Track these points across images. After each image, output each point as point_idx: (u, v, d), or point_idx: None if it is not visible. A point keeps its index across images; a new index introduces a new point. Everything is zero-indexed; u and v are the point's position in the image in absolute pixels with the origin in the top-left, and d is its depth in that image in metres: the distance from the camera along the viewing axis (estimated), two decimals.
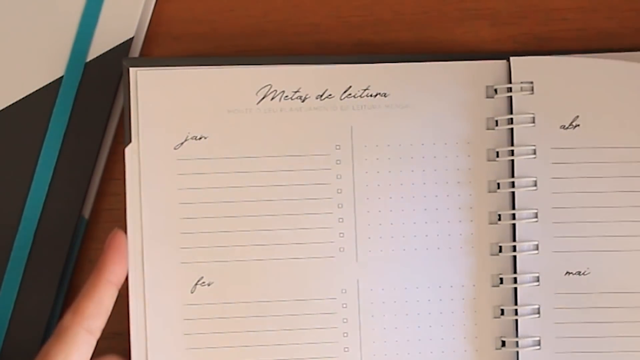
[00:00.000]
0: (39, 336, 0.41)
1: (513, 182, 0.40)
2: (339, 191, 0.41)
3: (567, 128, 0.41)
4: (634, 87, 0.42)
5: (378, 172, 0.41)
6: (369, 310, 0.41)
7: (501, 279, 0.40)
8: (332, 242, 0.41)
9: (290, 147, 0.41)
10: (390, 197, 0.41)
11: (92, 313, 0.40)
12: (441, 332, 0.41)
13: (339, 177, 0.41)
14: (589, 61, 0.41)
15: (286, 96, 0.41)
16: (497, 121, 0.40)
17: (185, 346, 0.41)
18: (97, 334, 0.40)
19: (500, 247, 0.41)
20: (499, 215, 0.41)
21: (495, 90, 0.41)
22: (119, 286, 0.40)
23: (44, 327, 0.42)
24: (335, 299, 0.41)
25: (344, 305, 0.41)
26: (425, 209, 0.40)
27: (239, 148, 0.41)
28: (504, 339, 0.40)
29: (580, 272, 0.41)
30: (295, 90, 0.40)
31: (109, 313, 0.40)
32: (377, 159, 0.41)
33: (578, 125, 0.41)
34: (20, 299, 0.43)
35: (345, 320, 0.41)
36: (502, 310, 0.40)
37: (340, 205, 0.41)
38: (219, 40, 0.44)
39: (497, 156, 0.40)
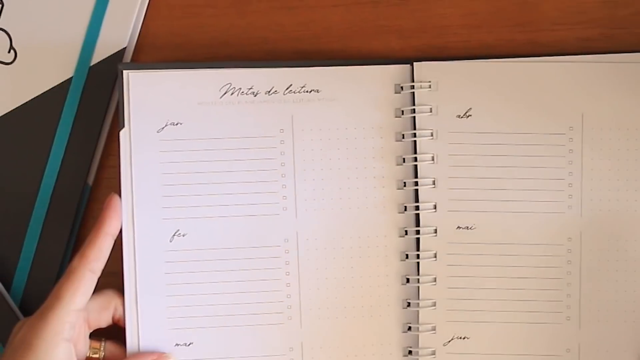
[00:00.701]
0: (54, 275, 0.50)
1: (416, 158, 0.49)
2: (283, 164, 0.49)
3: (462, 117, 0.49)
4: (511, 84, 0.49)
5: (312, 149, 0.49)
6: (306, 255, 0.49)
7: (406, 231, 0.49)
8: (277, 203, 0.49)
9: (245, 131, 0.49)
10: (322, 169, 0.49)
11: (94, 257, 0.48)
12: (362, 271, 0.49)
13: (282, 153, 0.49)
14: (475, 64, 0.49)
15: (242, 92, 0.49)
16: (402, 111, 0.49)
17: (166, 282, 0.49)
18: (98, 274, 0.47)
19: (406, 207, 0.49)
20: (404, 182, 0.49)
21: (402, 88, 0.49)
22: (115, 237, 0.48)
23: (57, 268, 0.50)
24: (279, 246, 0.49)
25: (287, 251, 0.49)
26: (348, 178, 0.49)
27: (206, 132, 0.49)
28: (408, 277, 0.49)
29: (468, 227, 0.50)
30: (249, 87, 0.49)
31: (107, 257, 0.48)
32: (312, 139, 0.49)
33: (470, 115, 0.49)
34: (39, 247, 0.51)
35: (287, 262, 0.49)
36: (407, 255, 0.49)
37: (283, 175, 0.49)
38: (192, 49, 0.52)
39: (403, 138, 0.49)
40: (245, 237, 0.50)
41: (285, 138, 0.50)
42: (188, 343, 0.49)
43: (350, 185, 0.50)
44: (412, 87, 0.49)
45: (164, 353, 0.49)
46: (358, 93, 0.50)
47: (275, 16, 0.51)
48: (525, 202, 0.49)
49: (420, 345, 0.49)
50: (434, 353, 0.49)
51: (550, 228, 0.50)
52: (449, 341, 0.50)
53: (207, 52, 0.52)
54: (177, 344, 0.49)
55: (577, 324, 0.50)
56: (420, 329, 0.48)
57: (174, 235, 0.50)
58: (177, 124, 0.49)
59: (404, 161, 0.49)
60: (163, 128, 0.50)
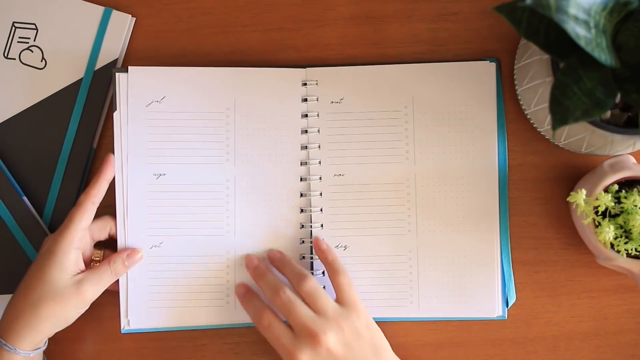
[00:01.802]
0: (71, 205, 0.59)
1: (307, 130, 0.61)
2: (227, 131, 0.61)
3: (336, 103, 0.62)
4: (369, 81, 0.61)
5: (247, 120, 0.61)
6: (239, 191, 0.61)
7: (303, 178, 0.62)
8: (222, 156, 0.61)
9: (204, 107, 0.61)
10: (253, 135, 0.61)
11: (94, 194, 0.58)
12: (274, 203, 0.61)
13: (227, 123, 0.61)
14: (346, 69, 0.61)
15: (200, 84, 0.60)
16: (305, 99, 0.62)
17: (147, 212, 0.61)
18: (97, 205, 0.59)
19: (306, 162, 0.61)
20: (305, 146, 0.62)
21: (304, 84, 0.61)
22: (109, 181, 0.60)
23: (73, 201, 0.61)
24: (223, 184, 0.61)
25: (228, 188, 0.61)
26: (269, 142, 0.61)
27: (177, 107, 0.60)
28: (303, 208, 0.62)
29: (341, 174, 0.62)
30: (205, 82, 0.60)
31: (104, 194, 0.59)
32: (247, 113, 0.61)
33: (342, 101, 0.62)
34: (62, 187, 0.62)
35: (227, 195, 0.61)
36: (302, 194, 0.62)
37: (227, 138, 0.61)
38: (161, 59, 0.63)
39: (302, 117, 0.62)
40: (202, 176, 0.61)
41: (230, 113, 0.61)
42: (159, 244, 0.60)
43: (270, 146, 0.61)
44: (306, 83, 0.62)
45: (135, 249, 0.60)
46: (274, 87, 0.61)
47: (216, 37, 0.63)
48: (378, 156, 0.61)
49: (313, 252, 0.61)
50: None
51: (395, 172, 0.62)
52: (334, 247, 0.61)
53: (171, 61, 0.63)
54: (152, 246, 0.60)
55: (415, 234, 0.62)
56: (312, 242, 0.61)
57: (156, 176, 0.60)
58: (160, 101, 0.60)
59: (305, 132, 0.62)
60: (150, 104, 0.60)
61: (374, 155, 0.62)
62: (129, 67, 0.61)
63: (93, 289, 0.57)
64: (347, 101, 0.62)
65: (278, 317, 0.57)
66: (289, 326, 0.56)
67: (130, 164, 0.61)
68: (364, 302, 0.59)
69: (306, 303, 0.56)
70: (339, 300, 0.57)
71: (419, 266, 0.62)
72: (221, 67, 0.61)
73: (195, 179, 0.61)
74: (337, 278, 0.58)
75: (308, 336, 0.54)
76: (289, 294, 0.56)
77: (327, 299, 0.56)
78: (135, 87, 0.61)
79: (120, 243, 0.61)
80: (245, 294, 0.60)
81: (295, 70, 0.62)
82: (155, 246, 0.61)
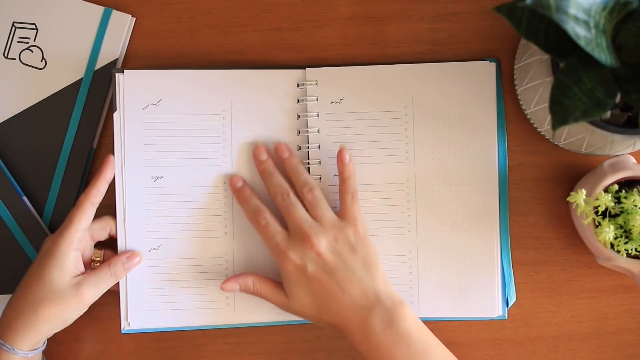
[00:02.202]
0: (70, 206, 0.59)
1: (307, 130, 0.61)
2: (224, 132, 0.61)
3: (336, 103, 0.62)
4: (368, 82, 0.61)
5: (243, 124, 0.61)
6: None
7: None
8: (219, 157, 0.61)
9: (201, 109, 0.61)
10: (249, 137, 0.61)
11: (95, 194, 0.59)
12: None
13: (224, 125, 0.61)
14: (345, 69, 0.62)
15: (196, 86, 0.60)
16: (299, 100, 0.62)
17: (145, 215, 0.61)
18: (97, 205, 0.59)
19: (302, 162, 0.61)
20: (299, 147, 0.62)
21: (299, 85, 0.61)
22: (109, 182, 0.60)
23: (73, 201, 0.61)
24: (219, 186, 0.61)
25: (225, 189, 0.61)
26: (267, 142, 0.60)
27: (175, 109, 0.60)
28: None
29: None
30: (202, 82, 0.60)
31: (103, 194, 0.59)
32: (244, 117, 0.61)
33: (342, 100, 0.62)
34: (62, 187, 0.62)
35: (225, 197, 0.61)
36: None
37: (224, 140, 0.61)
38: (160, 59, 0.63)
39: (299, 118, 0.62)
40: (200, 178, 0.61)
41: (226, 115, 0.61)
42: (158, 246, 0.61)
43: (267, 147, 0.61)
44: (305, 84, 0.61)
45: (135, 251, 0.60)
46: (271, 88, 0.61)
47: (216, 37, 0.63)
48: (378, 156, 0.62)
49: None
50: None
51: (395, 172, 0.62)
52: None
53: (171, 61, 0.63)
54: (150, 249, 0.61)
55: (415, 234, 0.62)
56: None
57: (154, 179, 0.60)
58: (156, 104, 0.61)
59: (299, 133, 0.62)
60: (147, 106, 0.61)
61: (374, 156, 0.63)
62: (125, 70, 0.61)
63: (92, 291, 0.57)
64: (347, 101, 0.63)
65: (274, 217, 0.58)
66: (285, 228, 0.57)
67: (127, 167, 0.61)
68: None
69: (306, 209, 0.57)
70: (341, 214, 0.58)
71: (419, 266, 0.62)
72: (217, 69, 0.62)
73: (193, 181, 0.62)
74: (345, 194, 0.58)
75: (301, 237, 0.56)
76: (292, 196, 0.58)
77: (327, 209, 0.58)
78: (132, 90, 0.61)
79: (120, 246, 0.61)
80: (242, 190, 0.60)
81: (290, 71, 0.62)
82: (154, 249, 0.61)
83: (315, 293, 0.55)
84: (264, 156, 0.61)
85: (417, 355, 0.53)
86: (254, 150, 0.61)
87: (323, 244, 0.55)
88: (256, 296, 0.59)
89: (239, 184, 0.61)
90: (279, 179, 0.59)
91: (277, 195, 0.58)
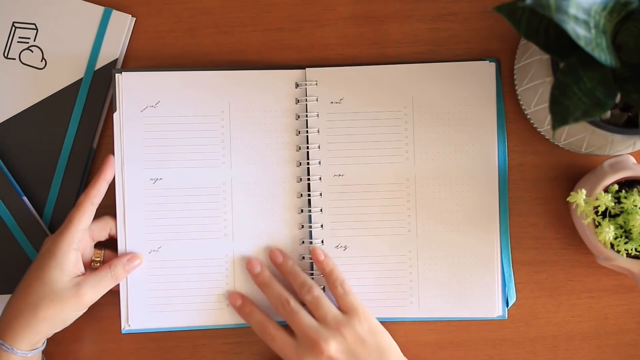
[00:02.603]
0: (70, 206, 0.59)
1: (307, 131, 0.61)
2: (223, 134, 0.61)
3: (336, 103, 0.62)
4: (369, 82, 0.61)
5: (242, 124, 0.61)
6: (237, 193, 0.61)
7: (301, 179, 0.61)
8: (218, 159, 0.61)
9: (199, 111, 0.61)
10: (248, 137, 0.61)
11: (94, 195, 0.59)
12: (272, 204, 0.61)
13: (222, 127, 0.61)
14: (346, 69, 0.62)
15: (195, 86, 0.61)
16: (298, 100, 0.62)
17: (145, 217, 0.61)
18: (97, 205, 0.59)
19: (300, 162, 0.61)
20: (299, 147, 0.61)
21: (297, 85, 0.61)
22: (109, 182, 0.60)
23: (73, 201, 0.60)
24: (219, 187, 0.61)
25: (224, 191, 0.61)
26: (265, 143, 0.61)
27: (173, 111, 0.61)
28: (302, 209, 0.61)
29: (341, 174, 0.62)
30: (200, 83, 0.60)
31: (103, 195, 0.59)
32: (242, 118, 0.61)
33: (342, 101, 0.62)
34: (61, 187, 0.62)
35: (224, 198, 0.61)
36: (301, 194, 0.61)
37: (223, 141, 0.61)
38: (160, 60, 0.63)
39: (298, 118, 0.62)
40: (198, 180, 0.61)
41: (225, 116, 0.61)
42: (157, 248, 0.61)
43: (266, 148, 0.61)
44: (306, 84, 0.61)
45: (135, 253, 0.60)
46: (271, 88, 0.61)
47: (216, 37, 0.63)
48: (378, 156, 0.61)
49: None
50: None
51: (395, 172, 0.62)
52: (334, 248, 0.62)
53: (171, 61, 0.63)
54: (150, 251, 0.61)
55: (415, 234, 0.62)
56: (313, 242, 0.61)
57: (153, 181, 0.60)
58: (154, 106, 0.61)
59: (299, 133, 0.62)
60: (145, 109, 0.61)
61: (374, 156, 0.62)
62: (123, 73, 0.61)
63: (92, 292, 0.57)
64: (347, 101, 0.62)
65: (280, 327, 0.58)
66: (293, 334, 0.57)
67: (127, 169, 0.61)
68: (364, 302, 0.59)
69: (309, 312, 0.57)
70: (341, 308, 0.58)
71: (419, 266, 0.62)
72: (215, 70, 0.62)
73: (192, 182, 0.62)
74: (336, 288, 0.59)
75: (310, 345, 0.55)
76: (293, 304, 0.57)
77: (329, 307, 0.57)
78: (130, 92, 0.61)
79: (120, 247, 0.61)
80: (243, 307, 0.61)
81: (289, 71, 0.62)
82: (154, 250, 0.61)
83: None
84: (257, 269, 0.61)
85: None
86: (247, 265, 0.61)
87: (333, 347, 0.55)
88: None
89: (238, 302, 0.61)
90: (278, 288, 0.59)
91: (278, 306, 0.58)
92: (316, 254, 0.61)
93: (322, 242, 0.63)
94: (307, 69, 0.62)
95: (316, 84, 0.63)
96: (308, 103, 0.62)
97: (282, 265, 0.61)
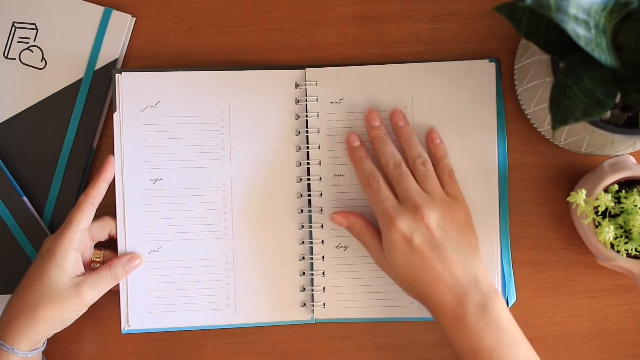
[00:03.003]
0: (70, 206, 0.59)
1: (307, 131, 0.61)
2: (222, 134, 0.61)
3: (335, 103, 0.62)
4: (368, 82, 0.61)
5: (242, 125, 0.61)
6: (237, 193, 0.61)
7: (300, 179, 0.61)
8: (217, 159, 0.61)
9: (198, 111, 0.61)
10: (249, 137, 0.61)
11: (94, 195, 0.59)
12: (272, 204, 0.61)
13: (222, 127, 0.61)
14: (346, 69, 0.61)
15: (195, 86, 0.60)
16: (298, 100, 0.62)
17: (145, 217, 0.61)
18: (97, 206, 0.59)
19: (300, 162, 0.61)
20: (299, 147, 0.61)
21: (297, 85, 0.61)
22: (109, 182, 0.60)
23: (73, 201, 0.60)
24: (219, 187, 0.61)
25: (224, 191, 0.61)
26: (265, 143, 0.61)
27: (172, 111, 0.61)
28: (302, 209, 0.62)
29: (341, 174, 0.62)
30: (200, 83, 0.60)
31: (103, 195, 0.59)
32: (242, 117, 0.61)
33: (342, 100, 0.62)
34: (61, 187, 0.62)
35: (224, 198, 0.61)
36: (301, 194, 0.62)
37: (223, 141, 0.61)
38: (160, 60, 0.63)
39: (298, 118, 0.62)
40: (198, 180, 0.61)
41: (224, 116, 0.61)
42: (157, 249, 0.61)
43: (266, 148, 0.61)
44: (305, 84, 0.61)
45: (135, 254, 0.60)
46: (270, 88, 0.61)
47: (216, 37, 0.63)
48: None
49: (313, 253, 0.62)
50: (323, 258, 0.62)
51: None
52: (334, 248, 0.62)
53: (171, 61, 0.63)
54: (150, 251, 0.61)
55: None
56: (313, 242, 0.62)
57: (153, 181, 0.60)
58: (154, 106, 0.61)
59: (299, 133, 0.62)
60: (145, 109, 0.60)
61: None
62: (123, 73, 0.61)
63: (92, 292, 0.57)
64: (347, 101, 0.62)
65: (386, 182, 0.58)
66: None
67: (126, 170, 0.61)
68: (363, 302, 0.61)
69: (417, 181, 0.57)
70: (445, 188, 0.58)
71: None
72: (215, 70, 0.61)
73: (192, 183, 0.62)
74: (442, 174, 0.59)
75: (412, 207, 0.55)
76: (404, 167, 0.57)
77: (437, 184, 0.57)
78: (129, 93, 0.61)
79: (120, 248, 0.62)
80: (357, 150, 0.60)
81: (288, 71, 0.62)
82: (154, 251, 0.61)
83: (416, 265, 0.54)
84: (377, 122, 0.60)
85: (505, 344, 0.52)
86: (367, 115, 0.60)
87: (433, 217, 0.55)
88: (356, 238, 0.60)
89: (356, 142, 0.60)
90: (392, 148, 0.59)
91: (389, 164, 0.58)
92: (433, 136, 0.61)
93: (322, 242, 0.63)
94: (307, 69, 0.62)
95: (316, 84, 0.63)
96: (308, 103, 0.62)
97: (402, 129, 0.60)
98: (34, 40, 0.62)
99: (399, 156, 0.58)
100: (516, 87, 0.61)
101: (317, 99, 0.62)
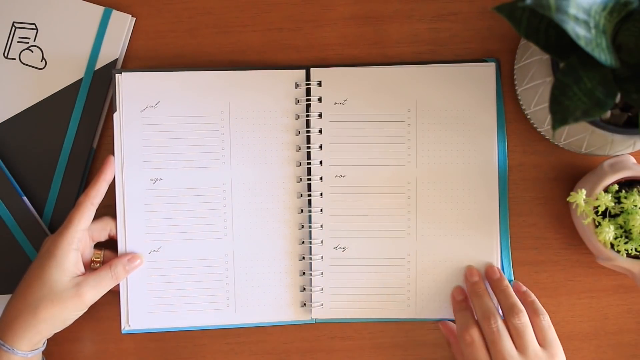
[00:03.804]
0: (70, 206, 0.59)
1: (308, 131, 0.61)
2: (222, 134, 0.61)
3: (340, 104, 0.62)
4: (371, 82, 0.61)
5: (242, 125, 0.61)
6: (237, 193, 0.61)
7: (301, 179, 0.61)
8: (218, 159, 0.61)
9: (199, 111, 0.61)
10: (248, 137, 0.61)
11: (94, 195, 0.59)
12: (272, 205, 0.61)
13: (222, 127, 0.61)
14: (347, 69, 0.61)
15: (195, 86, 0.60)
16: (298, 100, 0.61)
17: (145, 217, 0.61)
18: (97, 206, 0.59)
19: (300, 162, 0.61)
20: (299, 147, 0.62)
21: (297, 85, 0.61)
22: (109, 182, 0.60)
23: (73, 201, 0.61)
24: (219, 187, 0.61)
25: (224, 191, 0.61)
26: (265, 143, 0.61)
27: (172, 111, 0.60)
28: (302, 209, 0.62)
29: (342, 175, 0.62)
30: (200, 83, 0.60)
31: (103, 195, 0.59)
32: (242, 118, 0.61)
33: (346, 101, 0.61)
34: (61, 188, 0.62)
35: (224, 198, 0.61)
36: (301, 194, 0.62)
37: (223, 141, 0.61)
38: (161, 60, 0.63)
39: (298, 118, 0.61)
40: (198, 180, 0.61)
41: (225, 116, 0.61)
42: (157, 249, 0.61)
43: (266, 148, 0.61)
44: (308, 84, 0.61)
45: (135, 254, 0.60)
46: (270, 88, 0.61)
47: (216, 37, 0.63)
48: (380, 158, 0.61)
49: (312, 253, 0.62)
50: (322, 258, 0.62)
51: (396, 175, 0.61)
52: (333, 248, 0.62)
53: (171, 61, 0.63)
54: (150, 251, 0.61)
55: (415, 237, 0.62)
56: (312, 243, 0.62)
57: (153, 181, 0.60)
58: (155, 106, 0.60)
59: (299, 133, 0.62)
60: (145, 109, 0.60)
61: (376, 158, 0.62)
62: (123, 73, 0.61)
63: (92, 292, 0.57)
64: (351, 102, 0.62)
65: (483, 337, 0.57)
66: (489, 353, 0.56)
67: (127, 170, 0.61)
68: (363, 303, 0.61)
69: (511, 335, 0.56)
70: (540, 340, 0.57)
71: (418, 268, 0.62)
72: (215, 71, 0.61)
73: (192, 183, 0.61)
74: (537, 319, 0.58)
75: None
76: (499, 324, 0.57)
77: (532, 338, 0.56)
78: (129, 93, 0.61)
79: (120, 248, 0.62)
80: (461, 302, 0.61)
81: (288, 71, 0.62)
82: (154, 251, 0.61)
83: None
84: (475, 278, 0.61)
85: None
86: (467, 272, 0.61)
87: None
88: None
89: (460, 297, 0.61)
90: (489, 303, 0.59)
91: (484, 319, 0.57)
92: (519, 287, 0.61)
93: (322, 242, 0.63)
94: (311, 69, 0.62)
95: (317, 85, 0.62)
96: (311, 103, 0.62)
97: (497, 281, 0.61)
98: (34, 40, 0.62)
99: (495, 311, 0.58)
100: (516, 87, 0.61)
101: (319, 98, 0.62)
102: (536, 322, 0.57)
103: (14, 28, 0.63)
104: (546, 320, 0.57)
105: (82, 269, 0.58)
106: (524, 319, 0.57)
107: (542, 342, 0.56)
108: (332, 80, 0.62)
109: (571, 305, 0.64)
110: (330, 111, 0.62)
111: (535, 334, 0.57)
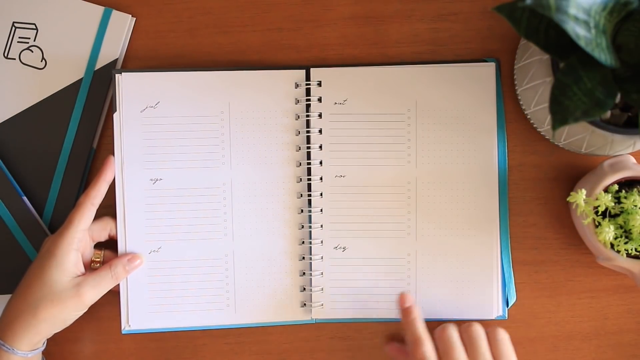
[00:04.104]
0: (70, 206, 0.59)
1: (308, 131, 0.61)
2: (222, 134, 0.61)
3: (339, 104, 0.61)
4: (371, 83, 0.61)
5: (242, 125, 0.61)
6: (237, 193, 0.61)
7: (301, 179, 0.61)
8: (218, 159, 0.61)
9: (199, 111, 0.61)
10: (248, 137, 0.61)
11: (94, 195, 0.59)
12: (271, 205, 0.61)
13: (222, 127, 0.61)
14: (348, 69, 0.61)
15: (195, 86, 0.60)
16: (298, 100, 0.61)
17: (145, 217, 0.61)
18: (97, 206, 0.59)
19: (300, 162, 0.61)
20: (299, 147, 0.61)
21: (297, 85, 0.61)
22: (109, 183, 0.60)
23: (73, 202, 0.61)
24: (219, 187, 0.61)
25: (224, 191, 0.61)
26: (265, 143, 0.60)
27: (172, 111, 0.60)
28: (302, 209, 0.62)
29: (342, 175, 0.62)
30: (200, 83, 0.60)
31: (103, 195, 0.60)
32: (242, 118, 0.61)
33: (346, 101, 0.61)
34: (61, 188, 0.62)
35: (224, 198, 0.61)
36: (301, 194, 0.62)
37: (223, 142, 0.61)
38: (160, 60, 0.63)
39: (298, 118, 0.61)
40: (198, 180, 0.61)
41: (225, 116, 0.61)
42: (157, 249, 0.61)
43: (266, 148, 0.61)
44: (308, 84, 0.61)
45: (136, 254, 0.61)
46: (271, 88, 0.61)
47: (216, 37, 0.63)
48: (380, 159, 0.61)
49: (312, 253, 0.62)
50: (322, 258, 0.62)
51: (396, 175, 0.61)
52: (333, 248, 0.62)
53: (171, 61, 0.63)
54: (150, 251, 0.61)
55: (415, 237, 0.62)
56: (312, 243, 0.62)
57: (153, 181, 0.60)
58: (154, 106, 0.60)
59: (299, 133, 0.62)
60: (145, 109, 0.60)
61: (376, 158, 0.62)
62: (123, 73, 0.61)
63: (92, 292, 0.57)
64: (351, 102, 0.62)
65: (434, 351, 0.56)
66: None
67: (126, 170, 0.61)
68: (362, 303, 0.61)
69: (465, 345, 0.56)
70: (494, 353, 0.56)
71: (418, 269, 0.62)
72: (215, 71, 0.61)
73: (192, 183, 0.62)
74: (494, 333, 0.57)
75: None
76: (454, 333, 0.56)
77: (486, 347, 0.55)
78: (129, 93, 0.61)
79: (120, 248, 0.62)
80: (410, 310, 0.58)
81: (289, 71, 0.62)
82: (154, 251, 0.62)
83: None
84: (407, 303, 0.60)
85: None
86: (400, 298, 0.59)
87: None
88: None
89: (407, 304, 0.59)
90: (420, 328, 0.57)
91: (438, 328, 0.57)
92: (496, 332, 0.57)
93: (322, 242, 0.63)
94: (312, 69, 0.62)
95: (318, 85, 0.62)
96: (311, 103, 0.62)
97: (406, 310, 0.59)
98: (34, 40, 0.62)
99: (425, 336, 0.57)
100: (516, 87, 0.61)
101: (319, 99, 0.62)
102: (490, 336, 0.57)
103: (14, 28, 0.63)
104: (500, 335, 0.56)
105: (82, 269, 0.58)
106: (476, 325, 0.56)
107: (496, 354, 0.56)
108: (332, 80, 0.62)
109: (571, 305, 0.64)
110: (330, 111, 0.62)
111: (490, 347, 0.56)
